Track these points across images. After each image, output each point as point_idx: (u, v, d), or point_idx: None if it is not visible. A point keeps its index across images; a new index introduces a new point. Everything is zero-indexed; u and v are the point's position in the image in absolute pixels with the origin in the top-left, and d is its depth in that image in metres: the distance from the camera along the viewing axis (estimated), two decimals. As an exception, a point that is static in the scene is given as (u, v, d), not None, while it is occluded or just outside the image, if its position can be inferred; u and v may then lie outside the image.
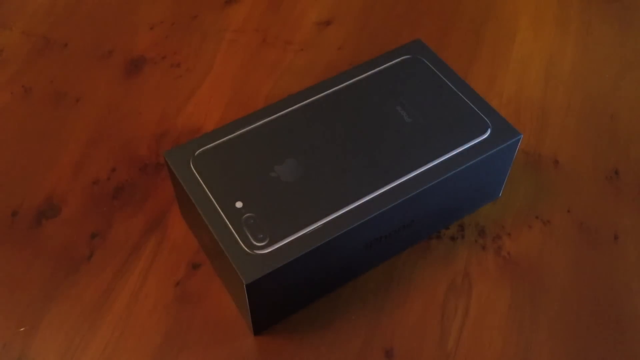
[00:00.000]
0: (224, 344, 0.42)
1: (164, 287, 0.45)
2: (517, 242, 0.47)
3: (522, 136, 0.44)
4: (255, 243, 0.39)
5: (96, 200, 0.49)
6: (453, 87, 0.46)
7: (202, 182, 0.41)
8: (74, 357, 0.42)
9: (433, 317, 0.43)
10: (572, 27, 0.61)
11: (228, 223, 0.39)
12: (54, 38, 0.60)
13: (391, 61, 0.48)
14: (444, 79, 0.46)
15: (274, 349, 0.42)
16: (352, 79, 0.47)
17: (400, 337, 0.43)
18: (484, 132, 0.44)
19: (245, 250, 0.38)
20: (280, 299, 0.41)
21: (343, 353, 0.42)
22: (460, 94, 0.46)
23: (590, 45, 0.60)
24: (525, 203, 0.49)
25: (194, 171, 0.42)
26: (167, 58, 0.59)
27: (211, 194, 0.41)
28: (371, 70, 0.47)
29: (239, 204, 0.40)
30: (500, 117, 0.44)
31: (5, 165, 0.51)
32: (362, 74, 0.47)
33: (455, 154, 0.43)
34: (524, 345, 0.42)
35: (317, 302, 0.44)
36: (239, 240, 0.39)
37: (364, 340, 0.42)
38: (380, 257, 0.45)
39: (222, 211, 0.40)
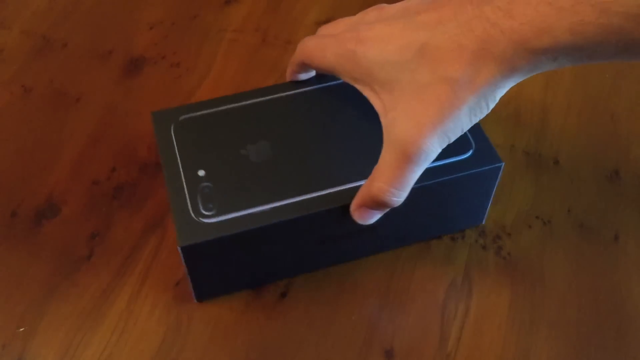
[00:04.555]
0: (223, 344, 0.42)
1: (164, 287, 0.45)
2: (517, 242, 0.47)
3: (503, 164, 0.42)
4: (202, 211, 0.39)
5: (96, 200, 0.49)
6: None
7: (175, 145, 0.43)
8: (74, 357, 0.42)
9: (433, 317, 0.43)
10: (572, 27, 0.61)
11: (185, 187, 0.41)
12: (54, 38, 0.60)
13: None
14: None
15: (270, 346, 0.42)
16: None
17: (400, 337, 0.43)
18: (466, 152, 0.42)
19: (191, 216, 0.39)
20: (222, 271, 0.42)
21: (343, 353, 0.42)
22: None
23: (590, 45, 0.60)
24: (525, 203, 0.49)
25: (172, 134, 0.43)
26: (167, 58, 0.59)
27: (179, 158, 0.42)
28: None
29: (201, 172, 0.41)
30: (487, 140, 0.43)
31: (5, 165, 0.51)
32: None
33: (428, 167, 0.39)
34: (524, 345, 0.42)
35: (317, 302, 0.44)
36: (188, 205, 0.40)
37: (364, 340, 0.42)
38: (338, 256, 0.45)
39: (184, 175, 0.41)
